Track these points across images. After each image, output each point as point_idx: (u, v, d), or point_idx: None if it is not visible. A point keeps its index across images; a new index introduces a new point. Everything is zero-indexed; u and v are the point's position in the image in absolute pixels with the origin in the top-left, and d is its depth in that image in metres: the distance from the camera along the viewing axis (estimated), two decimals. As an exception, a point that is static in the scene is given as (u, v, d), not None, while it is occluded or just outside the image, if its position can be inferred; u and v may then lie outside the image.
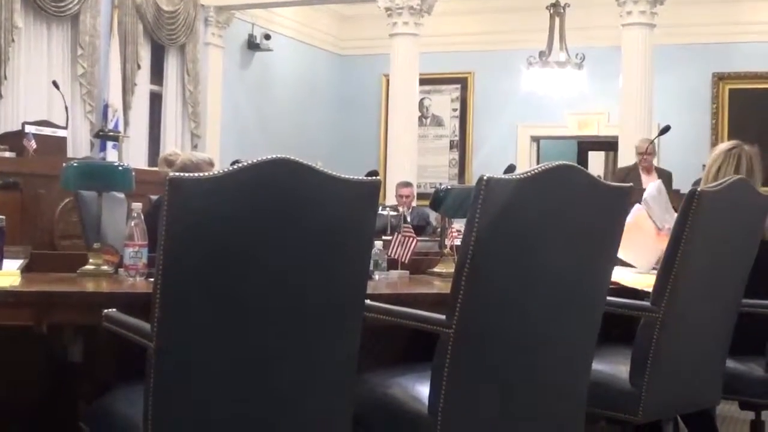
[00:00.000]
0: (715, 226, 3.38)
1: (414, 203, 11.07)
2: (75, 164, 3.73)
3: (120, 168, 3.67)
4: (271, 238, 2.51)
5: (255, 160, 2.49)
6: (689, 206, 3.25)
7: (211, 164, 6.65)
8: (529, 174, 2.74)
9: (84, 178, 3.66)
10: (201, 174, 2.46)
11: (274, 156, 2.50)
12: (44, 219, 6.77)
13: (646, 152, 9.58)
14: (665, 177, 9.35)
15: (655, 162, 9.96)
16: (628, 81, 11.11)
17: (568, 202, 2.82)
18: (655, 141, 9.80)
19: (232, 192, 2.45)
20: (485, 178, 2.67)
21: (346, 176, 2.62)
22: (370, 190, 2.68)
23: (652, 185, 4.44)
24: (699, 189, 3.27)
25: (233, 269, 2.48)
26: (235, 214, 2.46)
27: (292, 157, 2.52)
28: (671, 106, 12.52)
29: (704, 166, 4.66)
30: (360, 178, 2.66)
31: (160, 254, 2.44)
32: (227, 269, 2.48)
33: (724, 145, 4.62)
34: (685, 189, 7.72)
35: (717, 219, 3.37)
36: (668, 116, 12.09)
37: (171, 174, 2.43)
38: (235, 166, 2.48)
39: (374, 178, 2.69)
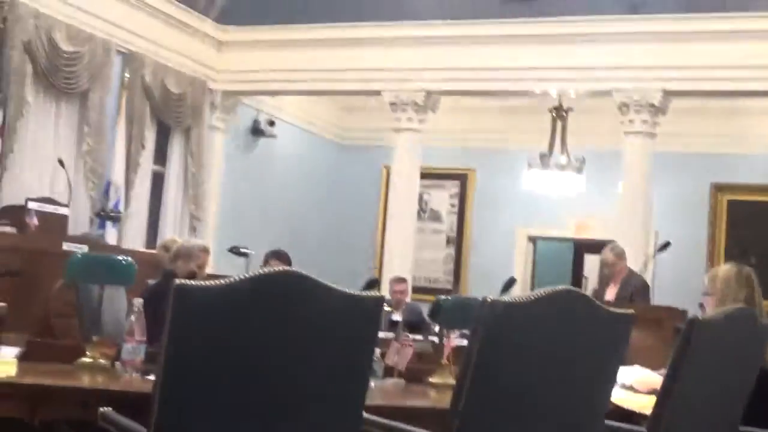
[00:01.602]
0: (715, 354, 3.38)
1: (408, 298, 11.05)
2: (79, 256, 3.76)
3: (123, 262, 3.69)
4: (274, 350, 2.52)
5: (261, 271, 2.51)
6: (689, 334, 3.25)
7: (205, 251, 6.68)
8: (531, 298, 2.75)
9: (88, 271, 3.67)
10: (207, 283, 2.47)
11: (282, 269, 2.51)
12: (41, 297, 6.76)
13: (608, 265, 9.46)
14: (640, 286, 9.27)
15: (643, 268, 9.88)
16: (628, 187, 11.18)
17: (570, 327, 2.83)
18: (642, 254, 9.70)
19: (238, 302, 2.47)
20: (488, 300, 2.68)
21: (351, 291, 2.63)
22: (373, 306, 2.69)
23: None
24: (700, 317, 3.29)
25: (235, 379, 2.49)
26: (239, 325, 2.47)
27: (300, 271, 2.53)
28: (669, 213, 12.59)
29: (705, 282, 4.63)
30: (364, 294, 2.67)
31: (162, 361, 2.45)
32: (229, 379, 2.48)
33: (731, 268, 4.60)
34: (678, 301, 7.75)
35: (717, 348, 3.37)
36: (665, 223, 12.19)
37: (177, 282, 2.44)
38: (243, 275, 2.50)
39: (378, 294, 2.70)
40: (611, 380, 3.06)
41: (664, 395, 3.27)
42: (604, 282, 9.51)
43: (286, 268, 2.52)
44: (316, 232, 14.32)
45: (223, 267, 9.93)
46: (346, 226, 14.65)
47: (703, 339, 3.24)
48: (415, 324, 9.21)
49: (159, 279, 6.22)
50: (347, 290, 2.62)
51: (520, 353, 2.76)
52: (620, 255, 9.35)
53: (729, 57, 10.64)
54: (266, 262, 7.73)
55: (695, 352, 3.24)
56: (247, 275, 2.50)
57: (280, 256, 7.73)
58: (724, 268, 4.64)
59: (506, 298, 2.79)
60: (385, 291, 10.58)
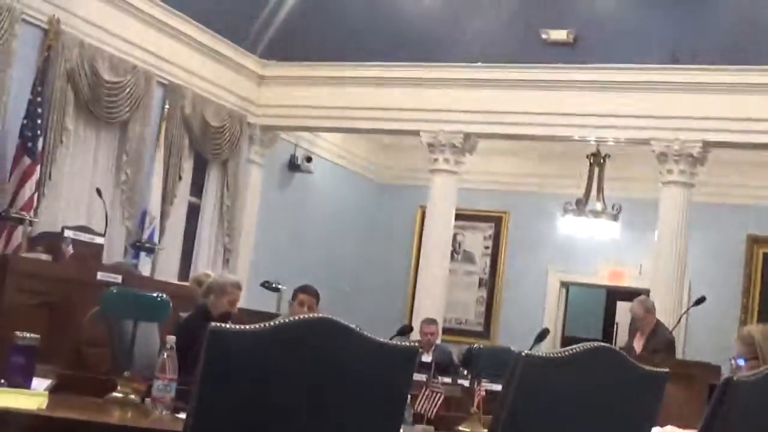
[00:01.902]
0: (749, 415, 3.33)
1: (438, 340, 11.02)
2: (114, 291, 3.77)
3: (158, 299, 3.70)
4: (308, 395, 2.51)
5: (297, 318, 2.50)
6: (722, 395, 3.21)
7: (237, 286, 6.69)
8: (566, 354, 2.74)
9: (123, 306, 3.69)
10: (242, 327, 2.47)
11: (317, 315, 2.51)
12: (73, 325, 6.79)
13: (639, 318, 9.44)
14: (667, 340, 9.22)
15: (675, 321, 9.81)
16: (664, 237, 11.12)
17: (604, 384, 2.81)
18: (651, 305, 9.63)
19: (272, 349, 2.46)
20: (523, 354, 2.67)
21: (386, 341, 2.62)
22: (407, 356, 2.68)
23: None
24: (734, 377, 3.24)
25: (265, 424, 2.48)
26: (272, 371, 2.46)
27: (335, 318, 2.53)
28: (704, 264, 12.50)
29: (738, 346, 4.57)
30: (399, 344, 2.66)
31: (194, 402, 2.45)
32: (259, 424, 2.47)
33: (765, 327, 4.54)
34: (710, 355, 7.68)
35: (751, 408, 3.33)
36: (700, 274, 12.11)
37: (212, 325, 2.44)
38: (276, 321, 2.50)
39: (412, 345, 2.69)
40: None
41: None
42: (632, 334, 9.52)
43: (322, 315, 2.51)
44: (349, 269, 14.33)
45: (255, 301, 9.96)
46: (379, 264, 14.64)
47: (737, 400, 3.20)
48: (444, 366, 9.20)
49: (191, 313, 6.24)
50: (382, 339, 2.60)
51: (553, 408, 2.74)
52: (649, 309, 9.39)
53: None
54: (295, 297, 7.71)
55: (729, 413, 3.20)
56: (282, 321, 2.50)
57: (308, 290, 7.71)
58: (758, 328, 4.57)
59: (540, 351, 2.77)
60: (416, 332, 10.56)
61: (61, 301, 6.78)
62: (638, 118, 11.20)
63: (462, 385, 6.86)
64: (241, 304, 10.00)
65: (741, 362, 4.47)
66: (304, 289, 7.74)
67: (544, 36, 11.65)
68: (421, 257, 12.57)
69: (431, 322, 10.71)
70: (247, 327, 2.47)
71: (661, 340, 9.14)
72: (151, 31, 11.04)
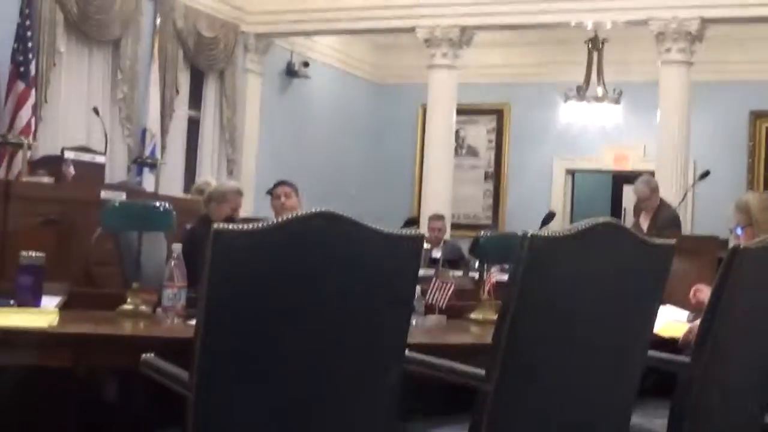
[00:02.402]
0: (757, 283, 3.34)
1: (447, 235, 11.04)
2: (116, 204, 3.76)
3: (161, 209, 3.69)
4: (313, 291, 2.51)
5: (297, 214, 2.49)
6: (731, 263, 3.21)
7: (238, 192, 6.66)
8: (572, 231, 2.73)
9: (125, 219, 3.68)
10: (245, 226, 2.45)
11: (317, 209, 2.49)
12: (80, 246, 6.78)
13: (644, 198, 9.41)
14: (672, 217, 9.22)
15: (680, 199, 9.79)
16: (666, 117, 11.07)
17: (611, 260, 2.81)
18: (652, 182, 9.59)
19: (276, 245, 2.45)
20: (528, 235, 2.65)
21: (389, 230, 2.60)
22: (414, 244, 2.67)
23: None
24: (741, 245, 3.24)
25: (274, 322, 2.48)
26: (277, 268, 2.46)
27: (336, 211, 2.51)
28: (708, 142, 12.46)
29: (734, 213, 4.57)
30: (403, 232, 2.64)
31: (202, 305, 2.45)
32: (268, 322, 2.48)
33: (762, 195, 4.54)
34: (717, 230, 7.69)
35: (759, 276, 3.34)
36: (704, 152, 12.07)
37: (215, 225, 2.43)
38: (280, 219, 2.48)
39: (417, 233, 2.67)
40: (654, 310, 3.03)
41: (707, 323, 3.24)
42: (637, 214, 9.50)
43: (325, 209, 2.49)
44: (354, 171, 14.31)
45: (261, 210, 9.96)
46: (383, 165, 14.63)
47: (745, 268, 3.20)
48: (454, 261, 9.22)
49: (194, 223, 6.22)
50: (386, 230, 2.59)
51: (561, 287, 2.74)
52: (654, 188, 9.36)
53: (766, -18, 10.49)
54: (271, 192, 7.78)
55: (737, 281, 3.20)
56: (285, 217, 2.49)
57: (284, 182, 7.76)
58: (755, 196, 4.57)
59: (547, 231, 2.77)
60: (424, 228, 10.58)
61: (66, 222, 6.76)
62: (635, -1, 11.09)
63: (473, 278, 6.89)
64: (248, 212, 10.03)
65: (739, 231, 4.48)
66: (280, 182, 7.81)
67: None
68: (425, 154, 12.53)
69: (438, 218, 10.72)
70: (250, 225, 2.46)
71: (667, 217, 9.13)
72: (137, -58, 10.88)
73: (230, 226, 2.44)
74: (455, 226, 12.38)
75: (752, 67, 12.72)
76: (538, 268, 2.67)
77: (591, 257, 2.77)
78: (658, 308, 3.06)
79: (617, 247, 2.82)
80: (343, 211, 2.55)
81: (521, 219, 12.00)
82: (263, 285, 2.45)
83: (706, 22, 10.93)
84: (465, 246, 10.07)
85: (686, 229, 10.79)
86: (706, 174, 8.58)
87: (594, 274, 2.79)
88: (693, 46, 11.02)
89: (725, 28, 11.48)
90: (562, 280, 2.73)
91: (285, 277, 2.47)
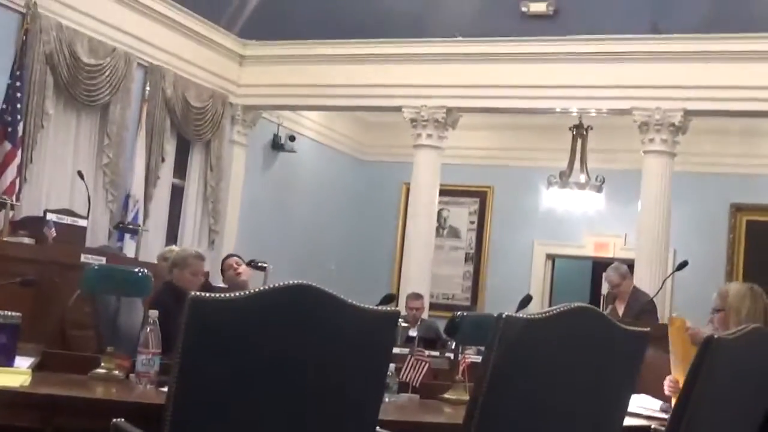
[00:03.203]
0: (730, 373, 3.36)
1: (425, 315, 11.03)
2: (96, 267, 3.76)
3: (140, 275, 3.70)
4: (288, 362, 2.52)
5: (277, 285, 2.50)
6: (705, 352, 3.24)
7: (198, 257, 6.65)
8: (546, 314, 2.75)
9: (104, 282, 3.68)
10: (222, 295, 2.47)
11: (295, 282, 2.51)
12: (57, 308, 6.78)
13: (614, 285, 9.45)
14: (646, 303, 9.25)
15: (660, 288, 9.83)
16: (647, 207, 11.14)
17: (586, 344, 2.83)
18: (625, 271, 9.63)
19: (252, 315, 2.46)
20: (504, 316, 2.67)
21: (365, 306, 2.62)
22: (389, 320, 2.68)
23: None
24: (716, 335, 3.27)
25: (247, 390, 2.48)
26: (253, 337, 2.47)
27: (313, 284, 2.53)
28: (688, 232, 12.53)
29: (715, 299, 4.62)
30: (379, 308, 2.66)
31: (176, 372, 2.44)
32: (241, 390, 2.48)
33: (743, 285, 4.60)
34: (696, 322, 7.71)
35: (732, 366, 3.35)
36: (684, 243, 12.13)
37: (192, 294, 2.44)
38: (258, 288, 2.49)
39: (393, 309, 2.69)
40: (627, 397, 3.04)
41: (679, 412, 3.25)
42: (611, 301, 9.51)
43: (301, 281, 2.51)
44: (335, 247, 14.33)
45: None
46: (365, 242, 14.64)
47: (719, 358, 3.22)
48: (431, 341, 9.20)
49: (158, 289, 6.19)
50: (362, 305, 2.61)
51: (535, 369, 2.75)
52: (624, 275, 9.41)
53: (750, 77, 10.62)
54: (222, 264, 8.07)
55: (711, 371, 3.22)
56: (260, 288, 2.50)
57: (233, 255, 8.08)
58: (736, 285, 4.64)
59: (522, 314, 2.78)
60: (402, 306, 10.57)
61: (45, 283, 6.75)
62: (620, 89, 11.19)
63: (448, 358, 6.89)
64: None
65: (714, 314, 4.55)
66: (228, 255, 8.39)
67: (524, 9, 11.61)
68: (406, 233, 12.54)
69: (417, 297, 10.73)
70: (227, 295, 2.47)
71: (642, 302, 9.17)
72: (129, 12, 10.96)
73: (206, 295, 2.45)
74: (433, 306, 12.37)
75: (734, 161, 12.84)
76: (512, 349, 2.68)
77: (565, 341, 2.78)
78: (630, 395, 3.07)
79: (592, 331, 2.84)
80: (323, 285, 2.56)
81: (500, 301, 11.98)
82: (237, 353, 2.46)
83: (689, 114, 11.05)
84: (443, 326, 10.08)
85: (663, 317, 10.81)
86: (683, 265, 8.62)
87: (567, 359, 2.80)
88: (676, 137, 11.13)
89: (708, 120, 11.62)
90: (535, 364, 2.74)
91: (259, 347, 2.47)
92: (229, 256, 8.35)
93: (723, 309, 4.49)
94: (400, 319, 8.72)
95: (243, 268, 7.86)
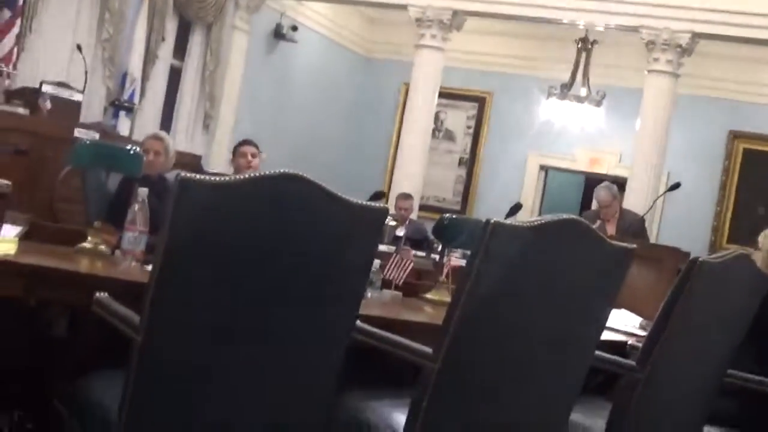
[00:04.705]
0: (711, 296, 3.38)
1: (414, 215, 11.06)
2: (87, 142, 3.74)
3: (131, 152, 3.68)
4: (273, 250, 2.52)
5: (268, 172, 2.49)
6: (688, 273, 3.26)
7: (154, 138, 6.51)
8: (534, 224, 2.75)
9: (94, 157, 3.67)
10: (212, 177, 2.45)
11: (286, 171, 2.50)
12: (48, 180, 6.76)
13: (606, 205, 9.44)
14: (637, 222, 9.28)
15: (649, 208, 9.86)
16: (645, 125, 11.13)
17: (571, 256, 2.83)
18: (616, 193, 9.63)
19: (241, 200, 2.46)
20: (492, 222, 2.67)
21: (354, 200, 2.61)
22: (376, 216, 2.68)
23: None
24: (700, 258, 3.28)
25: (231, 276, 2.49)
26: (240, 223, 2.46)
27: (303, 174, 2.52)
28: (684, 156, 12.53)
29: (714, 225, 4.64)
30: (368, 204, 2.66)
31: (161, 250, 2.44)
32: (225, 276, 2.48)
33: None
34: (684, 244, 7.75)
35: (714, 290, 3.37)
36: (679, 166, 12.14)
37: (182, 174, 2.42)
38: (247, 174, 2.48)
39: (381, 206, 2.69)
40: (606, 312, 3.06)
41: (656, 329, 3.28)
42: (592, 220, 9.41)
43: (292, 171, 2.50)
44: (330, 140, 14.31)
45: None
46: (360, 138, 14.62)
47: (702, 280, 3.24)
48: (418, 242, 9.26)
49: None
50: (351, 199, 2.60)
51: (517, 277, 2.76)
52: (615, 195, 9.45)
53: (760, 4, 10.53)
54: (235, 152, 7.78)
55: (692, 292, 3.24)
56: (251, 174, 2.49)
57: (250, 142, 7.78)
58: None
59: (510, 221, 2.78)
60: (392, 205, 10.60)
61: (37, 155, 6.74)
62: (629, 5, 11.11)
63: (434, 259, 6.92)
64: (221, 170, 10.00)
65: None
66: (245, 141, 7.87)
67: None
68: (402, 132, 12.53)
69: (407, 197, 10.75)
70: (217, 178, 2.46)
71: (632, 221, 9.19)
72: None
73: (197, 176, 2.44)
74: (423, 208, 12.42)
75: (737, 87, 12.80)
76: (497, 256, 2.69)
77: (550, 251, 2.78)
78: (610, 310, 3.09)
79: (577, 244, 2.84)
80: (315, 177, 2.56)
81: (490, 208, 12.03)
82: (224, 238, 2.46)
83: (696, 36, 10.98)
84: (431, 228, 10.12)
85: (652, 239, 10.87)
86: (675, 186, 8.62)
87: (550, 269, 2.81)
88: (681, 58, 11.07)
89: (715, 44, 11.54)
90: (518, 271, 2.75)
91: (246, 232, 2.47)
92: (245, 142, 7.95)
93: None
94: (388, 217, 8.76)
95: (256, 162, 7.59)
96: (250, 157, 7.61)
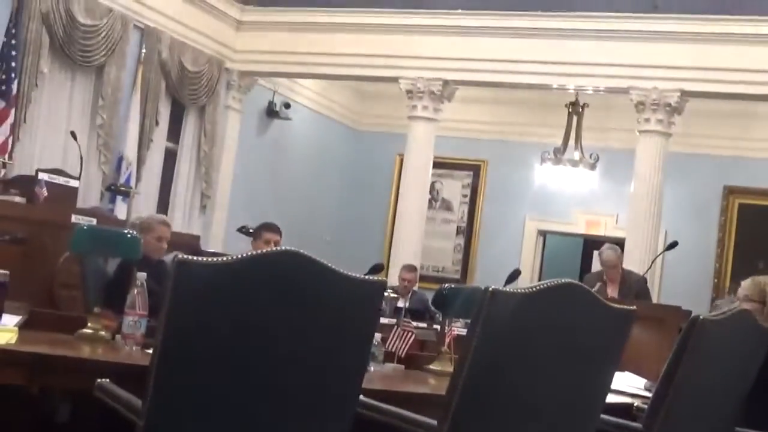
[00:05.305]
0: (714, 354, 3.37)
1: (416, 287, 11.05)
2: (85, 227, 3.75)
3: (129, 236, 3.69)
4: (273, 328, 2.52)
5: (266, 250, 2.51)
6: (689, 332, 3.25)
7: (163, 223, 6.53)
8: (533, 289, 2.75)
9: (93, 243, 3.68)
10: (209, 259, 2.46)
11: (283, 248, 2.51)
12: (46, 267, 6.75)
13: (612, 266, 9.43)
14: (639, 282, 9.25)
15: (648, 268, 9.86)
16: (640, 186, 11.16)
17: (571, 320, 2.83)
18: (617, 252, 9.62)
19: (241, 280, 2.46)
20: (490, 289, 2.67)
21: (353, 274, 2.62)
22: (375, 289, 2.69)
23: None
24: (701, 317, 3.27)
25: (232, 356, 2.49)
26: (239, 301, 2.47)
27: (301, 251, 2.53)
28: (680, 214, 12.55)
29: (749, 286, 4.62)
30: (366, 277, 2.67)
31: (161, 333, 2.45)
32: (225, 355, 2.48)
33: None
34: (684, 302, 7.73)
35: (716, 347, 3.37)
36: (676, 224, 12.16)
37: (180, 256, 2.44)
38: (245, 254, 2.49)
39: (379, 279, 2.70)
40: (610, 375, 3.05)
41: (661, 390, 3.26)
42: (593, 282, 9.32)
43: (289, 248, 2.51)
44: (327, 215, 14.33)
45: (231, 247, 9.95)
46: (357, 212, 14.64)
47: (704, 339, 3.23)
48: (420, 313, 9.23)
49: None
50: (349, 273, 2.61)
51: (519, 343, 2.76)
52: (620, 255, 9.45)
53: (748, 61, 10.62)
54: (258, 235, 7.60)
55: (695, 351, 3.23)
56: (249, 253, 2.50)
57: (273, 228, 7.60)
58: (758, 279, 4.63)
59: (509, 288, 2.78)
60: (392, 277, 10.59)
61: (35, 243, 6.74)
62: (617, 67, 11.18)
63: (435, 330, 6.91)
64: (217, 248, 10.01)
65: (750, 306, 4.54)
66: (269, 227, 7.57)
67: (524, -17, 11.59)
68: (398, 205, 12.56)
69: (411, 269, 10.71)
70: (214, 259, 2.47)
71: (637, 282, 9.15)
72: (127, -27, 10.93)
73: (194, 258, 2.45)
74: (424, 278, 12.39)
75: (729, 143, 12.85)
76: (497, 323, 2.68)
77: (550, 316, 2.78)
78: (614, 373, 3.08)
79: (577, 308, 2.84)
80: (314, 254, 2.57)
81: (490, 276, 12.01)
82: (223, 317, 2.46)
83: (686, 94, 11.05)
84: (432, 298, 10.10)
85: (653, 298, 10.85)
86: (673, 245, 8.62)
87: (552, 334, 2.81)
88: (671, 117, 11.14)
89: (705, 101, 11.61)
90: (519, 337, 2.75)
91: (247, 311, 2.48)
92: (269, 228, 7.61)
93: (755, 300, 4.49)
94: (388, 290, 8.75)
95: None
96: (273, 245, 7.35)
